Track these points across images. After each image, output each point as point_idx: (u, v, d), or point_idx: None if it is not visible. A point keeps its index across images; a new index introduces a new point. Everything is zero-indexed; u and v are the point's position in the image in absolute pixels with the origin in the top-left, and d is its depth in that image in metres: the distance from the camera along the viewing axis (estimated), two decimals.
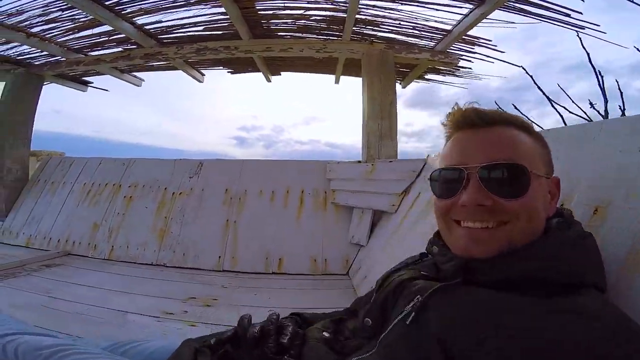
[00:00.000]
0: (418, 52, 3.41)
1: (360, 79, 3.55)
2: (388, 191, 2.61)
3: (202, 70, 4.43)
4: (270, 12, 3.04)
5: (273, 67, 4.24)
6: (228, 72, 4.44)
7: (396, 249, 2.13)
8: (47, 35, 3.37)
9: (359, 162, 3.13)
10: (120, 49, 3.71)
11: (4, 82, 3.94)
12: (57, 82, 4.39)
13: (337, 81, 4.51)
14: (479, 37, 3.26)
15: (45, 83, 4.24)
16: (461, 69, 3.98)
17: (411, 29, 3.22)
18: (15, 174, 3.81)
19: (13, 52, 3.76)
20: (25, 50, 3.72)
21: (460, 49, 3.47)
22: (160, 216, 3.26)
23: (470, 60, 3.65)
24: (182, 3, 2.88)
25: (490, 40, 3.29)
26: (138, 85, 4.76)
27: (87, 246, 3.27)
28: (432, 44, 3.40)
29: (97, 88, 4.98)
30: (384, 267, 0.91)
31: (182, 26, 3.31)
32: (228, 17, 2.98)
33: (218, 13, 3.04)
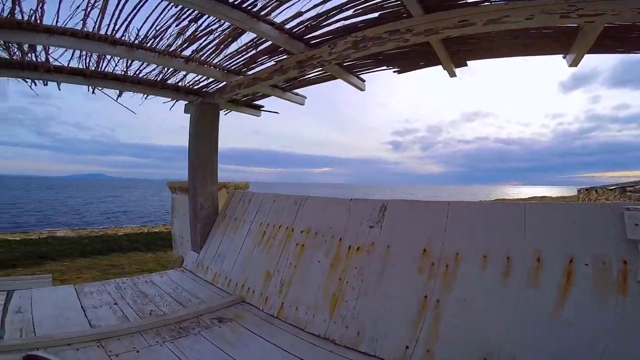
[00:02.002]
0: None
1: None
2: None
3: (361, 76, 3.52)
4: None
5: (458, 55, 2.84)
6: (394, 71, 3.39)
7: None
8: (202, 57, 3.18)
9: None
10: (272, 62, 3.26)
11: (189, 115, 4.14)
12: (234, 109, 4.49)
13: (574, 63, 2.70)
14: None
15: (223, 110, 4.31)
16: None
17: None
18: (207, 209, 3.98)
19: (187, 82, 3.84)
20: (197, 79, 3.77)
21: None
22: (334, 276, 2.50)
23: None
24: None
25: None
26: (301, 104, 4.39)
27: (259, 296, 2.90)
28: None
29: (268, 111, 4.93)
30: None
31: (328, 15, 2.46)
32: None
33: None
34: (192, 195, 3.93)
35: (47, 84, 3.43)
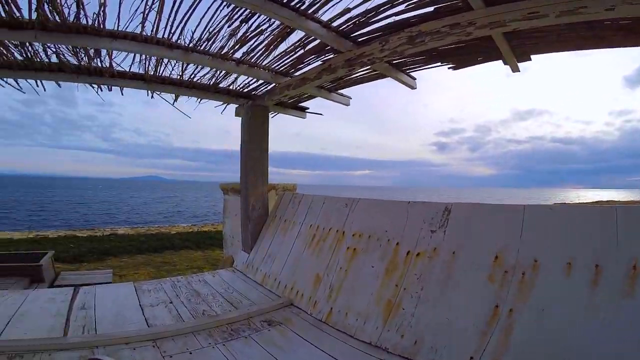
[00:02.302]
0: None
1: None
2: None
3: (411, 74, 3.30)
4: None
5: (522, 48, 2.55)
6: (449, 67, 3.12)
7: None
8: (252, 60, 3.17)
9: None
10: (319, 62, 3.16)
11: (240, 118, 4.17)
12: (280, 112, 4.46)
13: None
14: None
15: (271, 113, 4.29)
16: None
17: None
18: (258, 210, 3.97)
19: (237, 85, 3.86)
20: (247, 82, 3.77)
21: None
22: (389, 283, 2.33)
23: None
24: None
25: None
26: (346, 105, 4.24)
27: (308, 300, 2.81)
28: None
29: (313, 113, 4.85)
30: None
31: (377, 11, 2.31)
32: None
33: None
34: (244, 196, 3.94)
35: (111, 90, 3.62)
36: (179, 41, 2.85)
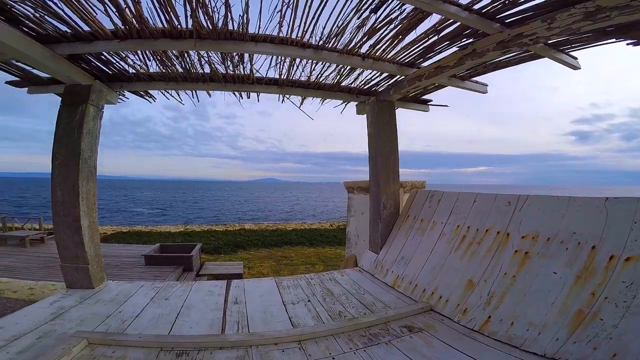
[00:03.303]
0: None
1: None
2: None
3: (572, 53, 2.68)
4: None
5: None
6: (628, 43, 2.34)
7: None
8: (377, 53, 2.89)
9: None
10: (455, 49, 2.72)
11: (365, 115, 3.92)
12: (401, 107, 4.06)
13: None
14: None
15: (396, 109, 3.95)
16: None
17: None
18: (390, 209, 3.67)
19: (359, 82, 3.65)
20: (369, 77, 3.52)
21: None
22: (581, 291, 1.83)
23: None
24: None
25: None
26: (483, 92, 3.59)
27: (454, 307, 2.43)
28: None
29: (436, 105, 4.28)
30: None
31: None
32: None
33: None
34: (375, 194, 3.71)
35: (249, 96, 3.84)
36: (310, 40, 2.81)
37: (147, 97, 3.73)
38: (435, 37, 2.69)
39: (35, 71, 2.88)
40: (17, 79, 3.06)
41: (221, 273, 7.94)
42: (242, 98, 3.80)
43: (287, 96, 3.92)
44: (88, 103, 2.86)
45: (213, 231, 16.42)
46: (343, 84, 3.74)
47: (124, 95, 3.62)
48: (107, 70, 3.05)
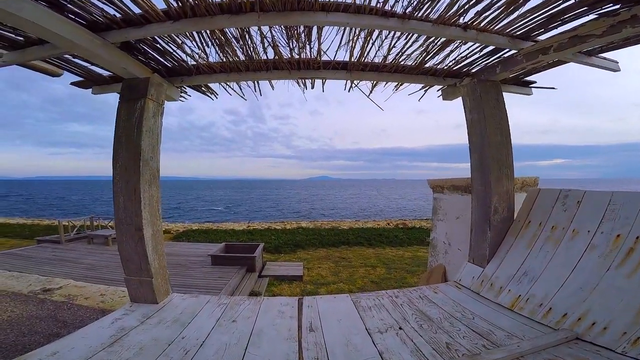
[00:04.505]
0: None
1: None
2: None
3: None
4: None
5: None
6: None
7: None
8: (481, 24, 2.22)
9: None
10: (593, 16, 1.99)
11: (461, 98, 3.17)
12: (504, 90, 3.20)
13: None
14: None
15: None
16: None
17: None
18: (502, 214, 2.83)
19: (450, 60, 2.92)
20: (462, 55, 2.79)
21: None
22: None
23: None
24: None
25: None
26: (615, 70, 2.73)
27: (618, 335, 1.74)
28: None
29: (542, 87, 3.37)
30: None
31: None
32: None
33: None
34: (480, 195, 2.92)
35: (314, 85, 3.31)
36: (394, 7, 2.16)
37: (208, 94, 3.39)
38: (571, 1, 1.96)
39: (95, 68, 2.64)
40: (80, 79, 2.88)
41: (282, 274, 7.72)
42: (305, 89, 3.28)
43: (356, 83, 3.30)
44: (147, 97, 2.53)
45: (273, 229, 16.50)
46: (427, 65, 3.02)
47: (185, 92, 3.32)
48: (165, 62, 2.72)
